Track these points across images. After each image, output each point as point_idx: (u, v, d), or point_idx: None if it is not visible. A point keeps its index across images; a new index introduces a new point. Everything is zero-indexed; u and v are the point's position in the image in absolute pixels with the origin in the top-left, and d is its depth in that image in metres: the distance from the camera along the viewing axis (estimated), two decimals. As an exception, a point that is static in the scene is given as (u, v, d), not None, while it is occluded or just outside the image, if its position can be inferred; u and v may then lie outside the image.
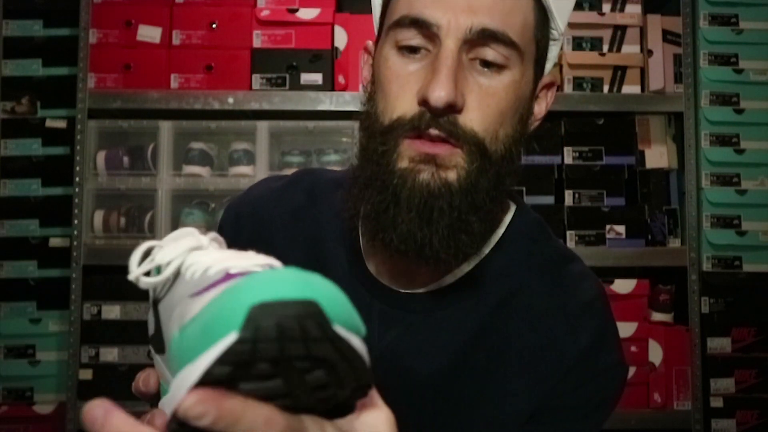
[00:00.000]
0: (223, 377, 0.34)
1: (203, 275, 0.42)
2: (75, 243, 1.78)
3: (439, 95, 0.63)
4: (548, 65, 0.75)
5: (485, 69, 0.66)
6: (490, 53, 0.65)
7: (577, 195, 1.82)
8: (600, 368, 0.71)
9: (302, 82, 1.82)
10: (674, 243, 1.83)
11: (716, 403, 1.76)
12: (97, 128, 1.83)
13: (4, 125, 1.88)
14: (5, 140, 1.88)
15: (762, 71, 1.84)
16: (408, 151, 0.65)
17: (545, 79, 0.75)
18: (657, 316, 1.82)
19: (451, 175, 0.65)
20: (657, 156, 1.86)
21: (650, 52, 1.84)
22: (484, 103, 0.65)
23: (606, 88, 1.84)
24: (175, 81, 1.81)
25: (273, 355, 0.34)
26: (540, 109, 0.75)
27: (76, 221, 1.79)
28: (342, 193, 0.73)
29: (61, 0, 1.87)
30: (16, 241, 1.86)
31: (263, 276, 0.35)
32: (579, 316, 0.72)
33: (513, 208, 0.78)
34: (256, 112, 1.83)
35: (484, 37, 0.65)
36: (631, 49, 1.85)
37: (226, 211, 0.86)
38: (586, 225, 1.80)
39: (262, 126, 1.80)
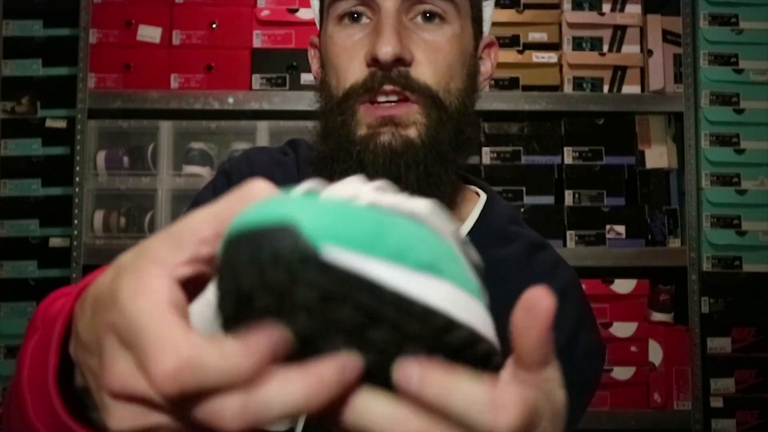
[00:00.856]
0: (231, 316, 0.31)
1: None
2: (75, 243, 1.78)
3: (386, 50, 0.66)
4: (486, 26, 0.79)
5: (427, 24, 0.70)
6: (428, 6, 0.69)
7: (577, 195, 1.82)
8: (583, 352, 0.72)
9: (302, 82, 1.82)
10: (674, 243, 1.83)
11: (716, 403, 1.76)
12: (97, 128, 1.82)
13: (4, 125, 1.88)
14: (5, 140, 1.87)
15: (762, 71, 1.84)
16: (365, 118, 0.68)
17: (486, 39, 0.79)
18: (657, 316, 1.81)
19: (412, 132, 0.68)
20: (657, 156, 1.85)
21: (650, 52, 1.84)
22: (432, 58, 0.69)
23: (606, 88, 1.84)
24: (175, 81, 1.81)
25: (254, 285, 0.30)
26: (486, 68, 0.79)
27: (76, 221, 1.79)
28: (311, 171, 0.75)
29: (61, 0, 1.87)
30: (16, 241, 1.85)
31: (251, 206, 0.32)
32: (557, 304, 0.71)
33: (484, 197, 0.79)
34: (256, 112, 1.83)
35: None
36: (631, 49, 1.85)
37: (235, 160, 0.85)
38: (586, 225, 1.80)
39: (262, 126, 1.80)
